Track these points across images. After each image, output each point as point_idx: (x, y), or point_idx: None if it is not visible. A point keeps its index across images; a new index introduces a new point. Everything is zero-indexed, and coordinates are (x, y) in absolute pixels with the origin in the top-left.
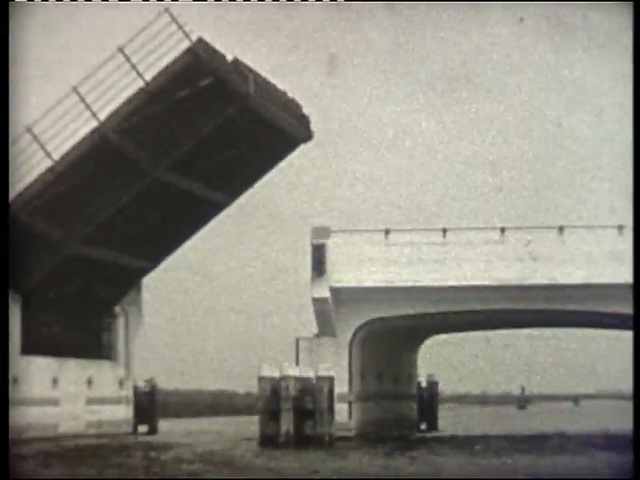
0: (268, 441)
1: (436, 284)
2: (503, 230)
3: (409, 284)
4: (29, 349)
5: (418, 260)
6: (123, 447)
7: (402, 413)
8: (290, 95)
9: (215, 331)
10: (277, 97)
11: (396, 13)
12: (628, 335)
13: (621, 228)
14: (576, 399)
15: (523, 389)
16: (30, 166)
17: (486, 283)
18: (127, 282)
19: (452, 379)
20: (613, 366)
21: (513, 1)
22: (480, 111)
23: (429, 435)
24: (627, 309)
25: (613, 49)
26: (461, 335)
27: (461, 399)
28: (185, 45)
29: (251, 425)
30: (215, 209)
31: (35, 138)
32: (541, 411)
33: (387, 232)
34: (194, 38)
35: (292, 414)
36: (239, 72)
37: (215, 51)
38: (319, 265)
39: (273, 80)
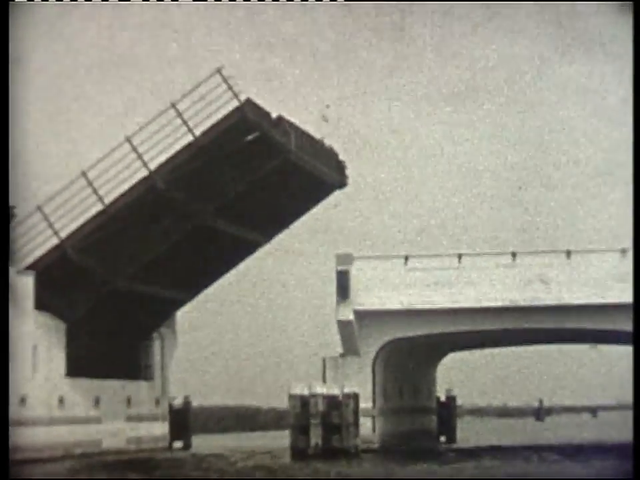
0: (299, 453)
1: (452, 306)
2: (514, 255)
3: (427, 306)
4: (73, 371)
5: (435, 283)
6: (168, 462)
7: (422, 426)
8: (327, 143)
9: (245, 351)
10: (316, 149)
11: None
12: None
13: (623, 251)
14: (594, 410)
15: (540, 402)
16: (82, 209)
17: (498, 304)
18: (165, 312)
19: (472, 393)
20: (631, 378)
21: (515, 1)
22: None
23: (447, 446)
24: (629, 327)
25: (613, 49)
26: (481, 351)
27: (481, 412)
28: (234, 104)
29: (275, 439)
30: (252, 247)
31: (89, 183)
32: (558, 422)
33: (406, 258)
34: (242, 97)
35: (320, 428)
36: (282, 129)
37: (260, 110)
38: (343, 290)
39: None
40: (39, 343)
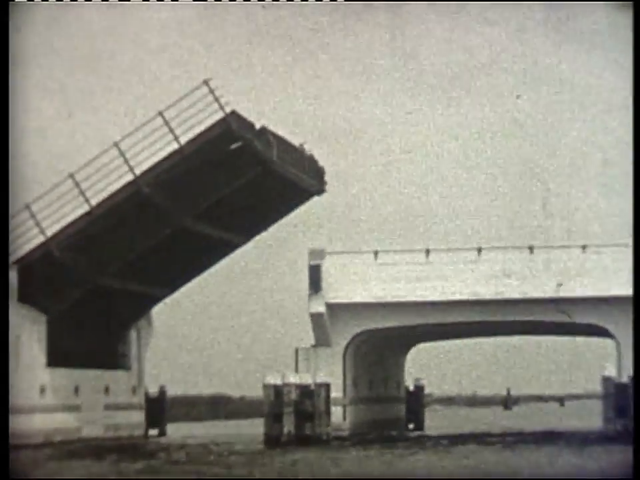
0: (272, 440)
1: (420, 299)
2: (479, 250)
3: (396, 299)
4: (54, 361)
5: (404, 278)
6: (151, 448)
7: (391, 414)
8: (308, 151)
9: (220, 342)
10: (297, 158)
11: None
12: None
13: (584, 247)
14: (561, 399)
15: (508, 391)
16: (69, 209)
17: (464, 297)
18: (143, 308)
19: (442, 383)
20: (597, 368)
21: (513, 1)
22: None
23: (415, 434)
24: (592, 319)
25: (613, 49)
26: (451, 342)
27: (451, 401)
28: (219, 115)
29: (247, 427)
30: (230, 248)
31: (77, 184)
32: (526, 411)
33: (376, 253)
34: (228, 109)
35: (293, 416)
36: (265, 140)
37: (245, 121)
38: (315, 283)
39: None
40: (22, 333)
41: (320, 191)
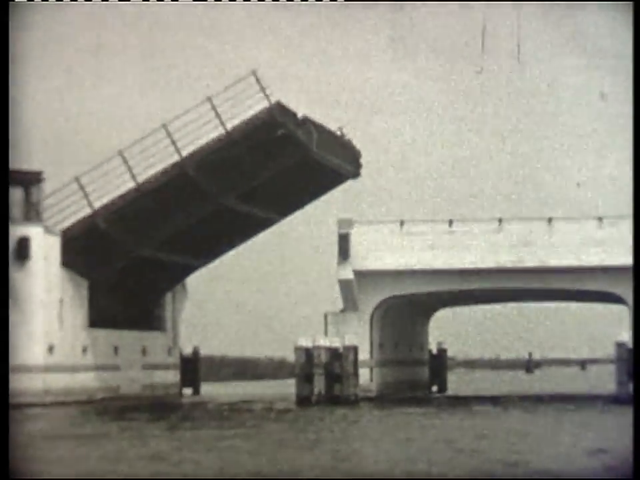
0: (303, 399)
1: (443, 267)
2: (500, 221)
3: (420, 267)
4: (94, 323)
5: (428, 246)
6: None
7: (415, 377)
8: (345, 135)
9: (253, 307)
10: (335, 145)
11: None
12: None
13: (600, 219)
14: (583, 363)
15: (530, 354)
16: (116, 184)
17: (486, 266)
18: (181, 275)
19: (465, 347)
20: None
21: (514, 1)
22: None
23: (438, 395)
24: (605, 287)
25: (612, 48)
26: (475, 307)
27: (474, 364)
28: (264, 104)
29: (277, 388)
30: (267, 224)
31: (125, 161)
32: (547, 375)
33: (402, 223)
34: (273, 99)
35: (323, 378)
36: (307, 129)
37: (288, 111)
38: (344, 251)
39: None
40: (64, 296)
41: (356, 174)
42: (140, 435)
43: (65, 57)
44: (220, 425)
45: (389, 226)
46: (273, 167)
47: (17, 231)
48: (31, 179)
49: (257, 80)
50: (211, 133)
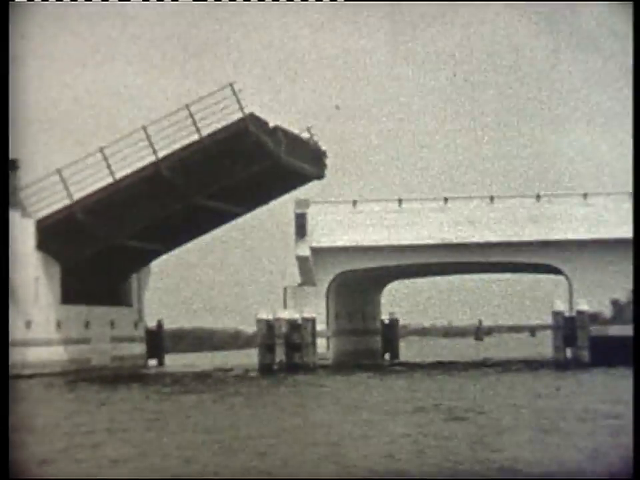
0: (265, 368)
1: (394, 243)
2: (446, 200)
3: (373, 243)
4: (67, 300)
5: (380, 224)
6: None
7: (369, 345)
8: (314, 139)
9: (215, 281)
10: (303, 151)
11: None
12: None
13: (538, 197)
14: (533, 330)
15: (480, 322)
16: (94, 178)
17: (433, 241)
18: (148, 259)
19: (417, 316)
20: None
21: (515, 2)
22: None
23: (390, 362)
24: (542, 259)
25: (612, 48)
26: (424, 279)
27: (426, 332)
28: (239, 115)
29: (236, 358)
30: (232, 217)
31: (105, 158)
32: (497, 341)
33: (355, 202)
34: (247, 111)
35: (284, 347)
36: (276, 138)
37: (261, 122)
38: (301, 230)
39: None
40: (40, 275)
41: (320, 176)
42: (125, 401)
43: (64, 57)
44: (201, 391)
45: (343, 205)
46: (242, 171)
47: None
48: (7, 166)
49: (234, 92)
50: (186, 137)
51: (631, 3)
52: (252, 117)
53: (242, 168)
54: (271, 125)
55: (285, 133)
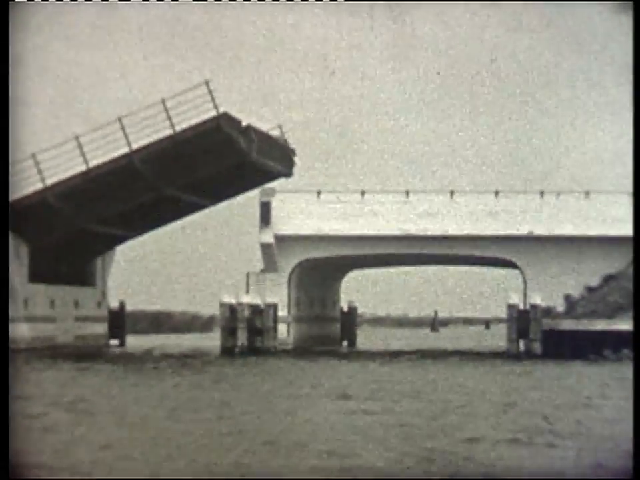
0: (227, 350)
1: (355, 233)
2: (407, 193)
3: (335, 233)
4: (34, 278)
5: (342, 214)
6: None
7: (328, 332)
8: (284, 137)
9: (181, 266)
10: (273, 150)
11: None
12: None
13: (496, 193)
14: (487, 322)
15: (435, 313)
16: (67, 166)
17: (394, 233)
18: (115, 242)
19: (373, 304)
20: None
21: (515, 1)
22: None
23: (348, 349)
24: (499, 253)
25: (613, 48)
26: (382, 270)
27: (381, 322)
28: (212, 113)
29: (197, 340)
30: (200, 207)
31: (79, 146)
32: (452, 333)
33: (319, 193)
34: (221, 109)
35: (246, 331)
36: (248, 137)
37: (234, 121)
38: (265, 217)
39: None
40: (10, 254)
41: (288, 174)
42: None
43: (64, 57)
44: (164, 372)
45: (307, 195)
46: (213, 166)
47: None
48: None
49: (209, 90)
50: (160, 132)
51: (630, 2)
52: (225, 115)
53: (213, 164)
54: (244, 123)
55: (257, 132)
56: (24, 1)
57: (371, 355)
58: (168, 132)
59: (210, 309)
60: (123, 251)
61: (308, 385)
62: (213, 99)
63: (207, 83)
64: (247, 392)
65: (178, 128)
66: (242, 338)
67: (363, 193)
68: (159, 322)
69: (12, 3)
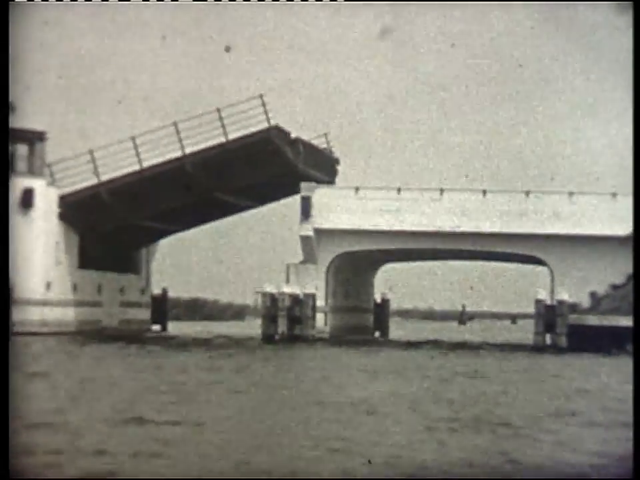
0: (268, 338)
1: (391, 228)
2: (441, 190)
3: (372, 228)
4: (83, 265)
5: (379, 210)
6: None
7: (362, 322)
8: (330, 146)
9: (224, 257)
10: (319, 161)
11: None
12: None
13: (527, 193)
14: (514, 317)
15: (463, 307)
16: (124, 164)
17: (428, 229)
18: (161, 236)
19: (402, 297)
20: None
21: (516, 1)
22: None
23: (381, 339)
24: (528, 250)
25: (612, 48)
26: (414, 263)
27: (408, 313)
28: (264, 125)
29: (237, 327)
30: (246, 209)
31: (135, 146)
32: (479, 326)
33: (357, 189)
34: (273, 122)
35: (286, 319)
36: (296, 149)
37: (283, 133)
38: (306, 211)
39: None
40: (60, 240)
41: (331, 182)
42: (145, 356)
43: (64, 57)
44: (221, 356)
45: (346, 191)
46: (261, 174)
47: (22, 183)
48: (35, 137)
49: (262, 103)
50: (213, 138)
51: (630, 2)
52: (276, 127)
53: (261, 172)
54: (293, 136)
55: (304, 144)
56: (24, 1)
57: (407, 345)
58: (220, 139)
59: (242, 298)
60: (168, 241)
61: (360, 367)
62: (265, 112)
63: (261, 96)
64: (309, 371)
65: (231, 136)
66: (282, 326)
67: (399, 190)
68: (194, 309)
69: (12, 3)
